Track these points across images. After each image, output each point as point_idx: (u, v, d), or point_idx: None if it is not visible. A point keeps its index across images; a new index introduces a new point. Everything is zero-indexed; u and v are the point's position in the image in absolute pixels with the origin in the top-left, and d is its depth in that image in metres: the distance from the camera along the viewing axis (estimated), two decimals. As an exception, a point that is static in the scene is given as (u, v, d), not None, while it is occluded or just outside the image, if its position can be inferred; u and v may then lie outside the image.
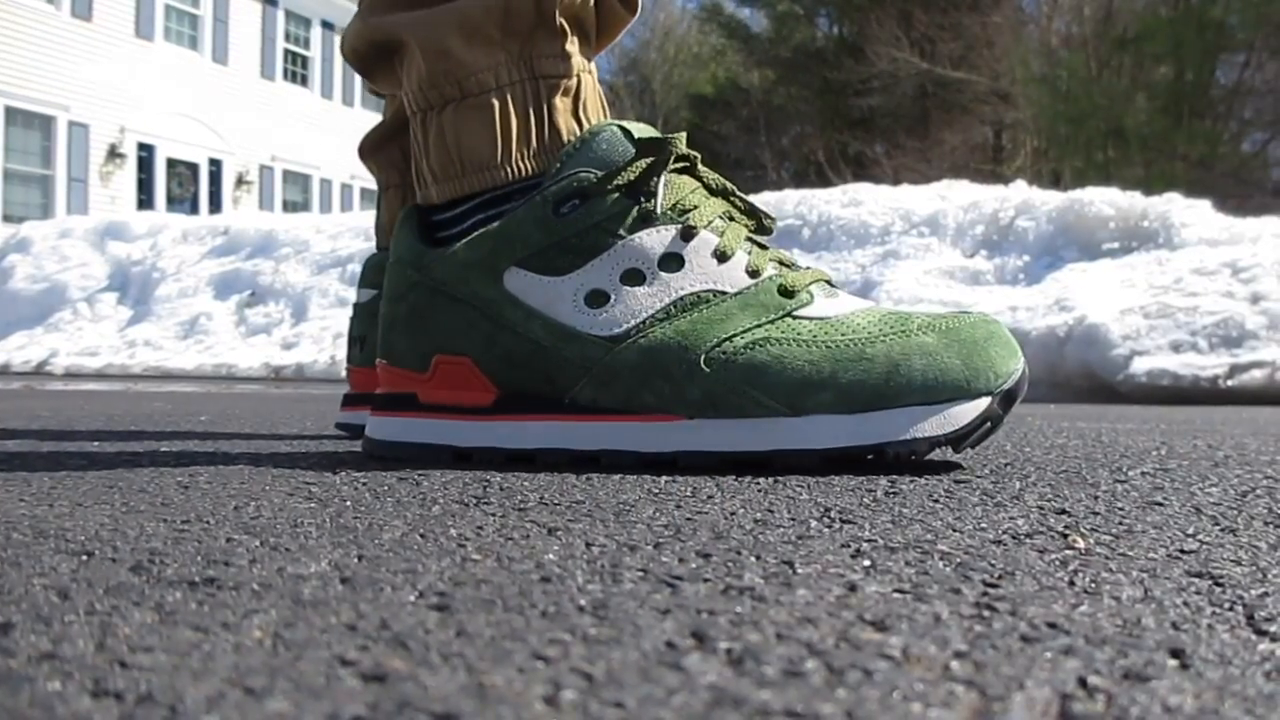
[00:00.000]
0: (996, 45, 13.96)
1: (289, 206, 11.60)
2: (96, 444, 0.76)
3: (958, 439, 0.56)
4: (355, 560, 0.33)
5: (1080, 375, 2.42)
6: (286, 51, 11.85)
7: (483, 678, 0.21)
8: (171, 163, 10.74)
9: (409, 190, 0.89)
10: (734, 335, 0.57)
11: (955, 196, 3.53)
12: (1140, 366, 2.31)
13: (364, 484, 0.51)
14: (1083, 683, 0.21)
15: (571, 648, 0.23)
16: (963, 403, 0.55)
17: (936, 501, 0.45)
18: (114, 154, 10.10)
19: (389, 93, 0.71)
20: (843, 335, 0.57)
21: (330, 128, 12.11)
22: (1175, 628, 0.25)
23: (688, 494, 0.47)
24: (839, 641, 0.24)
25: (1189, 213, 3.13)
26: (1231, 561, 0.33)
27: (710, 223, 0.59)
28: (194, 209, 10.52)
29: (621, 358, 0.57)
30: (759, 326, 0.57)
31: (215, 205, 10.86)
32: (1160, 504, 0.45)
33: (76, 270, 4.69)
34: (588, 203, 0.58)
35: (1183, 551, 0.35)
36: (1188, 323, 2.41)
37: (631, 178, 0.59)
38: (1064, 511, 0.43)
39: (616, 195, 0.59)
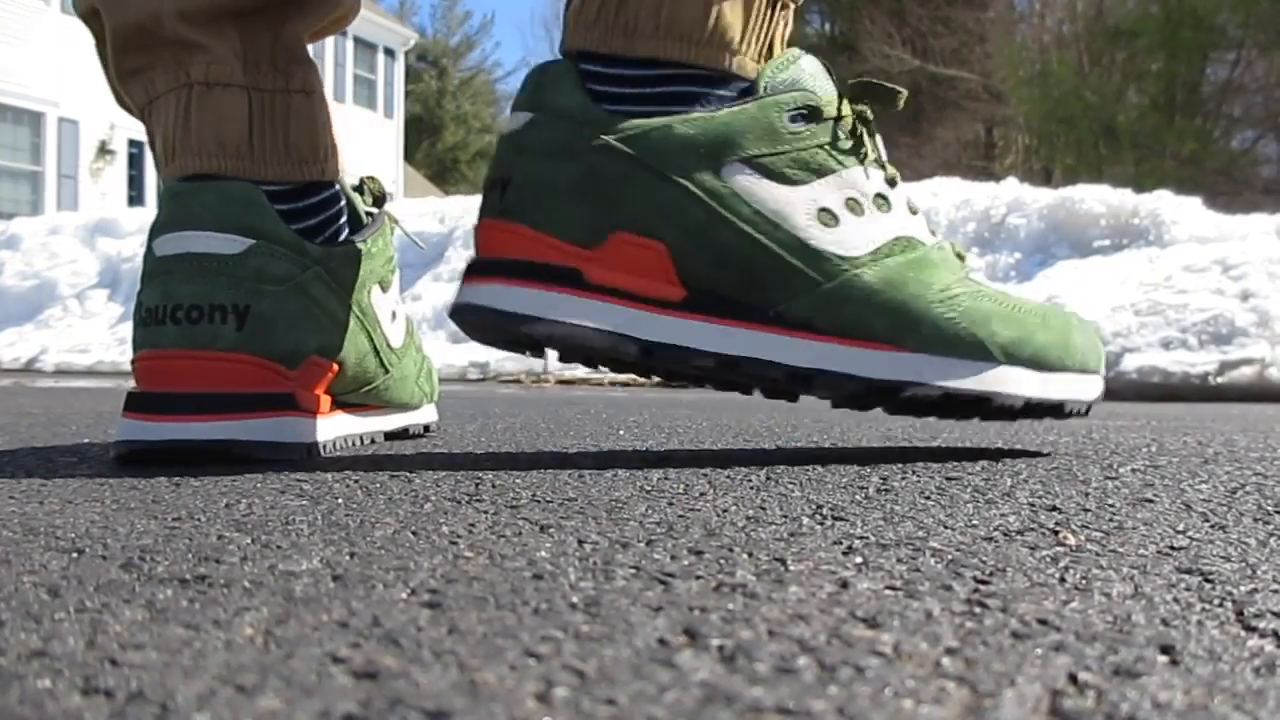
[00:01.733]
0: (989, 42, 13.98)
1: (280, 203, 11.55)
2: (87, 441, 0.76)
3: (1091, 405, 0.64)
4: (347, 558, 0.33)
5: (1071, 372, 2.43)
6: (278, 47, 11.81)
7: (475, 675, 0.21)
8: (162, 159, 10.70)
9: None
10: (953, 283, 0.59)
11: (947, 194, 3.53)
12: (1131, 364, 2.32)
13: (356, 481, 0.51)
14: (1073, 679, 0.21)
15: (563, 645, 0.23)
16: (1093, 375, 0.64)
17: (928, 498, 0.45)
18: (104, 150, 10.06)
19: None
20: (1022, 303, 0.62)
21: (321, 124, 12.05)
22: (1165, 624, 0.25)
23: (680, 491, 0.47)
24: (831, 638, 0.24)
25: (1179, 210, 3.14)
26: (1221, 558, 0.33)
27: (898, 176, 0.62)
28: (185, 205, 10.47)
29: (859, 280, 0.57)
30: (961, 280, 0.60)
31: (206, 202, 10.81)
32: (1150, 501, 0.46)
33: (66, 267, 4.67)
34: (814, 123, 0.58)
35: (1173, 548, 0.35)
36: (1178, 320, 2.42)
37: (850, 111, 0.60)
38: (1055, 508, 0.43)
39: (841, 123, 0.59)
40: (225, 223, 0.59)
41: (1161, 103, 13.26)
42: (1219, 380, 2.22)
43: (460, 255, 3.94)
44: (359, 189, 0.70)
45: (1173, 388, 2.24)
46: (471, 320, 0.56)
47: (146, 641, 0.23)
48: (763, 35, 0.59)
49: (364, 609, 0.26)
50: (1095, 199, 3.23)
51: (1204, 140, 13.22)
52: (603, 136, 0.55)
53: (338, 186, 0.68)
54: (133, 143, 10.35)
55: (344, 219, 0.68)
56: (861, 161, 0.60)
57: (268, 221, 0.60)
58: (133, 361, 0.60)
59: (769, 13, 0.59)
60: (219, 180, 0.61)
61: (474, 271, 0.57)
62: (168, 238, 0.60)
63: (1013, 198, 3.43)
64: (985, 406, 0.59)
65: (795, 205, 0.57)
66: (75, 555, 0.33)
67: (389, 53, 13.57)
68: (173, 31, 0.60)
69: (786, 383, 0.57)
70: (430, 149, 21.19)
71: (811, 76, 0.60)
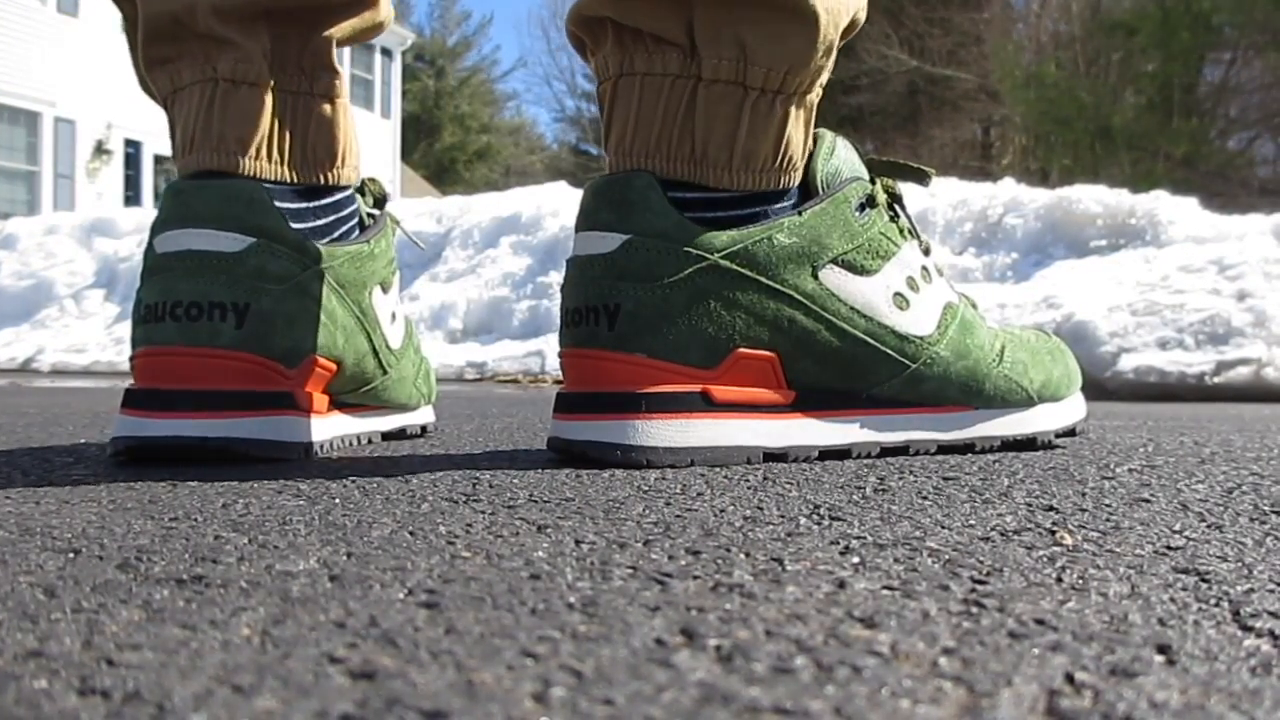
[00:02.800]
0: (986, 42, 14.00)
1: (277, 203, 11.53)
2: (83, 441, 0.76)
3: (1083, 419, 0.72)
4: (344, 558, 0.32)
5: (1068, 372, 2.43)
6: (274, 47, 11.79)
7: (472, 675, 0.21)
8: (159, 159, 10.69)
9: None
10: (991, 339, 0.65)
11: (944, 194, 3.53)
12: (1127, 363, 2.32)
13: (353, 481, 0.51)
14: (1070, 679, 0.21)
15: (561, 645, 0.23)
16: (1079, 394, 0.71)
17: (925, 499, 0.45)
18: (100, 150, 10.05)
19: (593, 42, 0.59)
20: (1029, 340, 0.68)
21: (319, 124, 12.03)
22: (1162, 624, 0.25)
23: (677, 491, 0.47)
24: (828, 638, 0.24)
25: (1176, 210, 3.14)
26: (1218, 558, 0.33)
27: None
28: (181, 205, 10.47)
29: (938, 356, 0.61)
30: (991, 332, 0.65)
31: (203, 201, 10.80)
32: (1147, 500, 0.46)
33: (63, 267, 4.66)
34: (872, 208, 0.61)
35: (1169, 548, 0.35)
36: (1174, 320, 2.42)
37: (883, 187, 0.63)
38: (1052, 508, 0.43)
39: (887, 205, 0.63)
40: (226, 221, 0.58)
41: (1157, 103, 13.28)
42: (1215, 380, 2.22)
43: (458, 255, 3.94)
44: (360, 190, 0.71)
45: (1169, 387, 2.24)
46: (596, 456, 0.55)
47: (143, 642, 0.23)
48: (809, 140, 0.61)
49: (361, 609, 0.26)
50: (1092, 199, 3.23)
51: (1200, 141, 13.25)
52: (710, 256, 0.56)
53: (352, 192, 0.68)
54: (129, 142, 10.34)
55: (354, 222, 0.68)
56: (905, 236, 0.63)
57: (269, 220, 0.60)
58: (131, 358, 0.60)
59: (812, 119, 0.60)
60: (224, 178, 0.60)
61: (592, 407, 0.56)
62: (169, 235, 0.59)
63: (1010, 198, 3.43)
64: (1028, 444, 0.66)
65: (877, 294, 0.60)
66: (72, 555, 0.33)
67: (386, 53, 13.54)
68: (205, 25, 0.60)
69: (880, 453, 0.62)
70: (428, 149, 21.18)
71: (851, 163, 0.62)
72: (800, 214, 0.58)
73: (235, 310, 0.58)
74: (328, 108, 0.65)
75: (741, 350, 0.57)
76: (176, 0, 0.60)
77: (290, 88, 0.63)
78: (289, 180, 0.63)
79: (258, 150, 0.61)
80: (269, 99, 0.62)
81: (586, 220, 0.58)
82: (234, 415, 0.58)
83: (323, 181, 0.65)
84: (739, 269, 0.56)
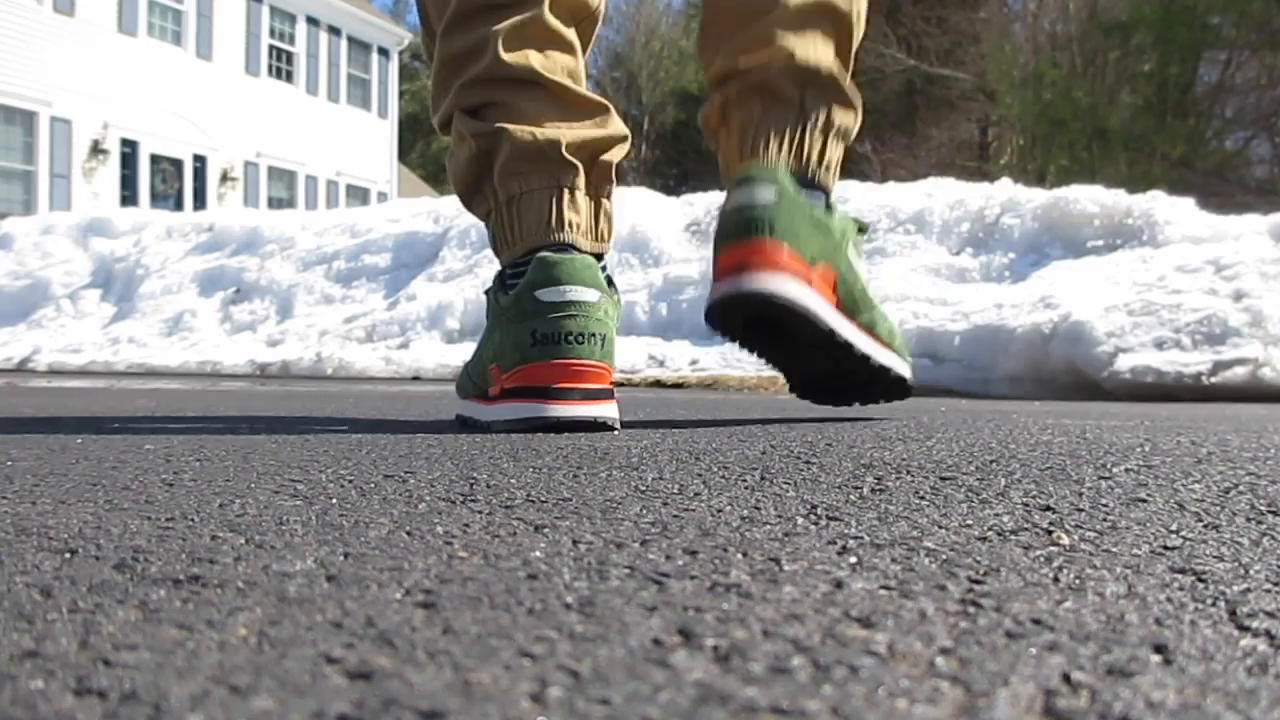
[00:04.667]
0: (983, 42, 14.01)
1: (274, 203, 11.54)
2: (80, 441, 0.76)
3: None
4: (341, 558, 0.32)
5: (1065, 372, 2.43)
6: (271, 47, 11.79)
7: (469, 675, 0.21)
8: (155, 159, 10.68)
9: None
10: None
11: (941, 194, 3.54)
12: (1124, 364, 2.32)
13: (350, 481, 0.51)
14: (1067, 678, 0.21)
15: (558, 645, 0.23)
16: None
17: (923, 499, 0.45)
18: (97, 150, 10.04)
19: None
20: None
21: (315, 124, 12.05)
22: (1158, 623, 0.25)
23: (674, 491, 0.47)
24: (825, 638, 0.24)
25: (1172, 210, 3.15)
26: (1214, 558, 0.34)
27: None
28: (178, 205, 10.47)
29: (876, 301, 0.99)
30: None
31: (200, 201, 10.81)
32: (1144, 500, 0.46)
33: (59, 267, 4.66)
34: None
35: (1166, 548, 0.35)
36: (1171, 320, 2.42)
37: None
38: (1049, 508, 0.43)
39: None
40: (592, 283, 0.90)
41: (1154, 103, 13.29)
42: (1212, 380, 2.23)
43: (455, 255, 3.94)
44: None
45: (1166, 388, 2.24)
46: (757, 301, 0.85)
47: (140, 642, 0.23)
48: None
49: (358, 609, 0.26)
50: (1089, 199, 3.24)
51: (1196, 141, 13.26)
52: (811, 212, 0.90)
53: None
54: (125, 142, 10.33)
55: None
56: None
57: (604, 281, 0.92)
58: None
59: None
60: (574, 251, 0.92)
61: (753, 266, 0.86)
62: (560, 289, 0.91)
63: (1007, 198, 3.43)
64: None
65: (856, 258, 0.95)
66: (68, 555, 0.33)
67: (383, 52, 13.54)
68: (559, 154, 0.92)
69: (866, 372, 0.94)
70: (425, 149, 21.14)
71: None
72: (839, 207, 0.97)
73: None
74: (608, 204, 0.97)
75: (822, 264, 0.89)
76: (543, 137, 0.92)
77: (604, 194, 0.97)
78: (593, 252, 0.96)
79: (585, 231, 0.94)
80: (586, 200, 0.95)
81: (755, 177, 0.90)
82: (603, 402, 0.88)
83: (604, 253, 0.97)
84: (825, 222, 0.92)
